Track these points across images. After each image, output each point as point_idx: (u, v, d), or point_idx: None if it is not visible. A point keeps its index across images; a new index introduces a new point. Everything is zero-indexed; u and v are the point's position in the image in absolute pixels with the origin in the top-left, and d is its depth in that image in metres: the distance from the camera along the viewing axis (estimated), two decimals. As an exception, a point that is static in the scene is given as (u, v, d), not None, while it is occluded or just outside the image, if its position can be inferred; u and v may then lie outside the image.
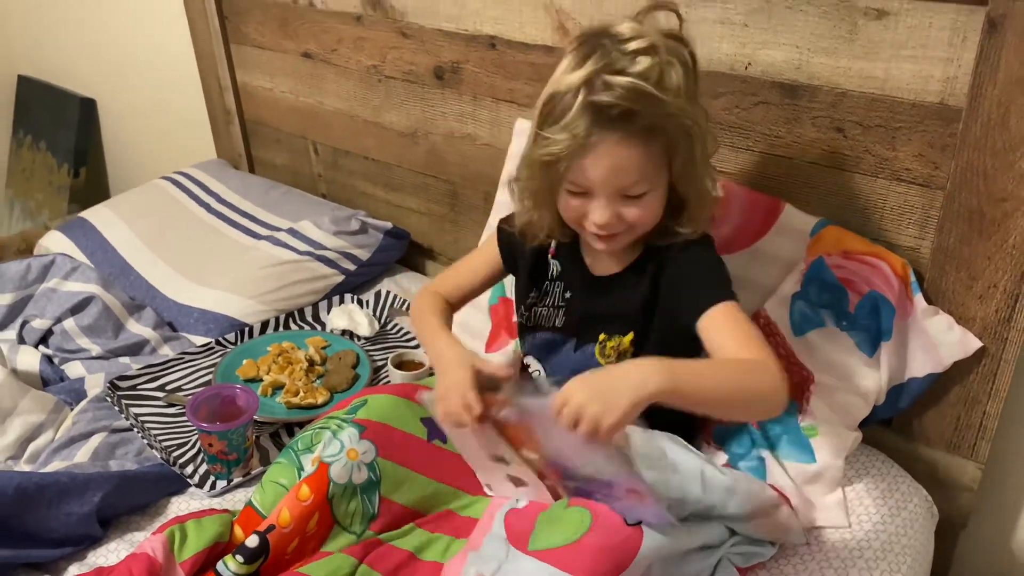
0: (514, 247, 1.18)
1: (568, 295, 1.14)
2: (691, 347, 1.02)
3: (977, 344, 1.16)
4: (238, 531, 1.06)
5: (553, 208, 1.06)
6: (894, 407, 1.23)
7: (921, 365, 1.19)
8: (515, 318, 1.24)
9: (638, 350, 1.08)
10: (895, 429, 1.29)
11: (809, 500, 1.15)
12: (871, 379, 1.20)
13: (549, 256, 1.16)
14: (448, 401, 0.97)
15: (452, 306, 1.22)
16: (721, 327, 0.98)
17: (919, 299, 1.18)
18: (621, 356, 1.09)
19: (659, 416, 1.10)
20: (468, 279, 1.24)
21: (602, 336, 1.10)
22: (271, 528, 1.01)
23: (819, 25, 1.16)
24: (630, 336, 1.08)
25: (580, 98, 0.93)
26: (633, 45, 0.94)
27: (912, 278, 1.18)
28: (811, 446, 1.18)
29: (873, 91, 1.15)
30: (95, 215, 1.93)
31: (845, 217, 1.23)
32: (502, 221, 1.20)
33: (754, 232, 1.25)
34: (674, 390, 0.85)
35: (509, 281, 1.31)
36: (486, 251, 1.23)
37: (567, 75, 0.95)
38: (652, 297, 1.07)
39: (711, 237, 1.08)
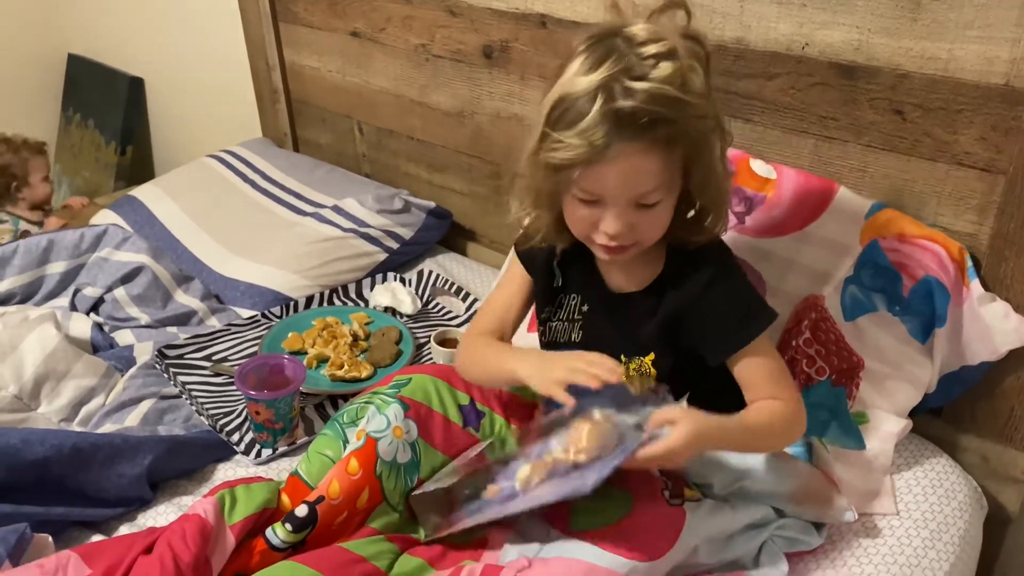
0: (532, 260, 1.14)
1: (585, 308, 1.10)
2: (707, 369, 1.03)
3: (1035, 333, 1.13)
4: (285, 499, 1.06)
5: (554, 211, 1.02)
6: (946, 396, 1.22)
7: (975, 353, 1.17)
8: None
9: (659, 370, 1.07)
10: (946, 418, 1.27)
11: (857, 487, 1.14)
12: (923, 366, 1.18)
13: (554, 263, 1.11)
14: (601, 364, 0.96)
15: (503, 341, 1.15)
16: (748, 371, 1.02)
17: (976, 285, 1.15)
18: (644, 378, 1.07)
19: (704, 403, 1.10)
20: (508, 311, 1.16)
21: (623, 358, 1.07)
22: (320, 499, 1.01)
23: (880, 4, 1.14)
24: (651, 357, 1.06)
25: (598, 104, 0.87)
26: (652, 49, 0.89)
27: (969, 263, 1.16)
28: (860, 432, 1.16)
29: (935, 72, 1.13)
30: (143, 192, 1.96)
31: (901, 201, 1.22)
32: (517, 242, 1.16)
33: (807, 215, 1.24)
34: (726, 448, 1.02)
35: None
36: (514, 275, 1.17)
37: (580, 77, 0.90)
38: (669, 327, 1.04)
39: (729, 253, 1.06)
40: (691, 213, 1.02)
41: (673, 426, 0.89)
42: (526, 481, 0.96)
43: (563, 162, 0.91)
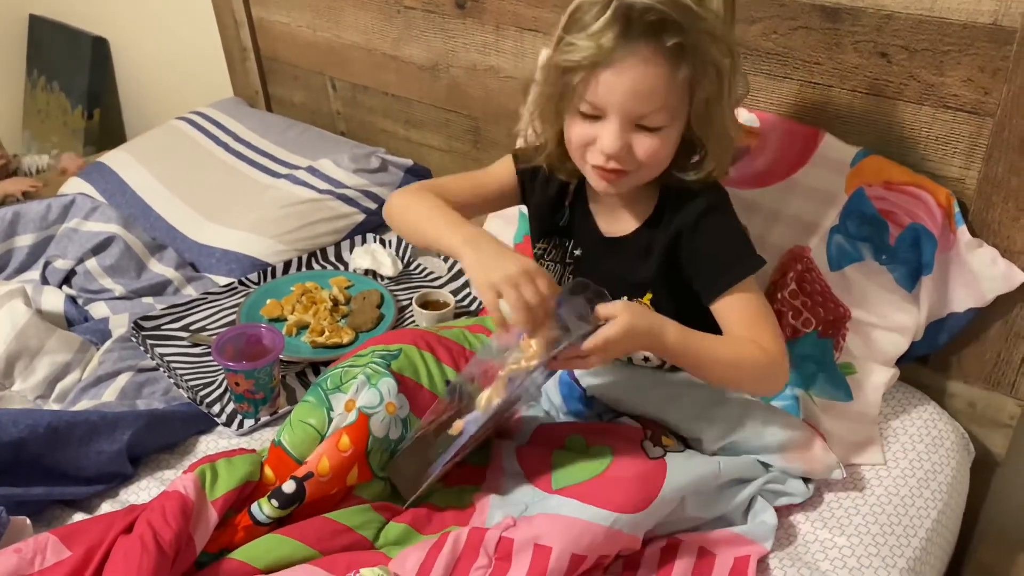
0: (533, 182, 1.12)
1: (577, 252, 1.09)
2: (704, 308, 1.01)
3: (1022, 278, 1.12)
4: (268, 472, 1.05)
5: (557, 127, 1.01)
6: (933, 343, 1.21)
7: (962, 300, 1.16)
8: None
9: (657, 310, 1.05)
10: (933, 366, 1.27)
11: (845, 438, 1.13)
12: (910, 315, 1.17)
13: (566, 203, 1.10)
14: (525, 288, 0.90)
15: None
16: (732, 313, 1.00)
17: (963, 231, 1.14)
18: None
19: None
20: (472, 195, 1.12)
21: (625, 299, 1.06)
22: (309, 475, 0.99)
23: (864, -58, 1.10)
24: (648, 296, 1.05)
25: (612, 6, 0.89)
26: None
27: (956, 209, 1.14)
28: (847, 383, 1.16)
29: (921, 12, 1.09)
30: (112, 158, 1.90)
31: (887, 147, 1.19)
32: (516, 155, 1.13)
33: (791, 163, 1.21)
34: (669, 356, 0.98)
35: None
36: (498, 173, 1.13)
37: None
38: (667, 267, 1.03)
39: (726, 195, 1.03)
40: (694, 158, 1.00)
41: (613, 319, 0.90)
42: (487, 401, 0.95)
43: (571, 63, 0.92)
